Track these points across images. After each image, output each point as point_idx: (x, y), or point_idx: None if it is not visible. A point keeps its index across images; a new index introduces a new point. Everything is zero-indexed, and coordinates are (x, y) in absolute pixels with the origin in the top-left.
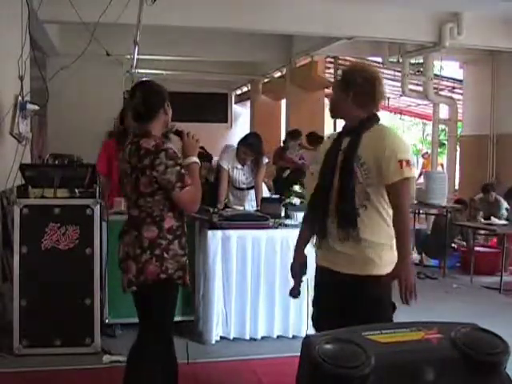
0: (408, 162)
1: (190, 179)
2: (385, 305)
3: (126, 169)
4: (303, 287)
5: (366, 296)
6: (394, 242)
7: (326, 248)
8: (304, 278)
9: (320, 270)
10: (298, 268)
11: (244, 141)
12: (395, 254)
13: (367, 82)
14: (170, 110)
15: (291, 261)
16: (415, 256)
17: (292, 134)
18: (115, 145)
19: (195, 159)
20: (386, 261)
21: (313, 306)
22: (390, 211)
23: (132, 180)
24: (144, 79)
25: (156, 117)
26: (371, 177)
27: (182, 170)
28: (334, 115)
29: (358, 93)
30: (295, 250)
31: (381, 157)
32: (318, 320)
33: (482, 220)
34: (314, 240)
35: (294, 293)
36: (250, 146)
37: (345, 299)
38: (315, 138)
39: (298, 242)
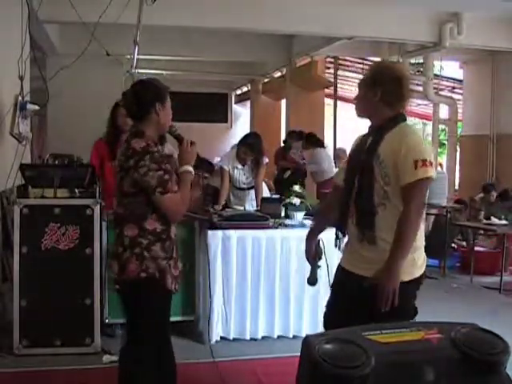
0: (424, 162)
1: (177, 187)
2: (403, 313)
3: (116, 167)
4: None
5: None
6: (416, 243)
7: (347, 248)
8: (320, 263)
9: (338, 270)
10: (312, 250)
11: (244, 141)
12: (415, 256)
13: (395, 80)
14: (164, 111)
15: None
16: None
17: (295, 135)
18: (106, 144)
19: (189, 169)
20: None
21: (326, 306)
22: None
23: (118, 178)
24: (146, 77)
25: (147, 117)
26: (389, 176)
27: (166, 176)
28: (361, 114)
29: (385, 91)
30: (307, 235)
31: (397, 156)
32: (328, 321)
33: (484, 220)
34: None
35: (311, 280)
36: (251, 146)
37: (360, 303)
38: (314, 140)
39: (310, 229)
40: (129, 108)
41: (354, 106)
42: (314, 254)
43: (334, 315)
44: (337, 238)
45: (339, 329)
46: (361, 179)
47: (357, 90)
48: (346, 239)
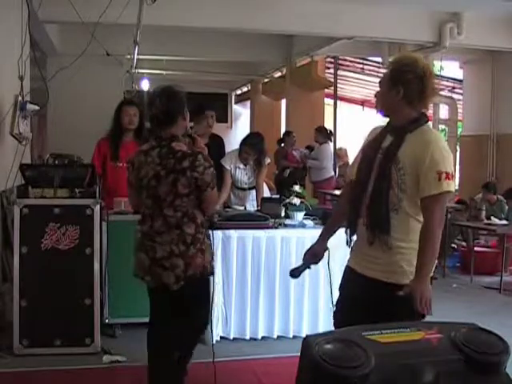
0: (448, 175)
1: None
2: (413, 316)
3: (159, 171)
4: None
5: (395, 307)
6: None
7: (356, 249)
8: (312, 266)
9: (347, 270)
10: (310, 254)
11: (246, 140)
12: None
13: (419, 77)
14: (187, 114)
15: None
16: None
17: (286, 133)
18: (109, 144)
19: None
20: (414, 266)
21: (336, 306)
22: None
23: (169, 182)
24: (166, 85)
25: (176, 122)
26: (406, 183)
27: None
28: (378, 109)
29: (408, 90)
30: (318, 237)
31: (420, 165)
32: (339, 321)
33: (486, 220)
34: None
35: (294, 273)
36: (253, 146)
37: (371, 304)
38: (326, 133)
39: (321, 231)
40: (159, 116)
41: (366, 104)
42: (316, 254)
43: (344, 315)
44: (350, 236)
45: (339, 329)
46: (377, 183)
47: (355, 90)
48: (354, 238)
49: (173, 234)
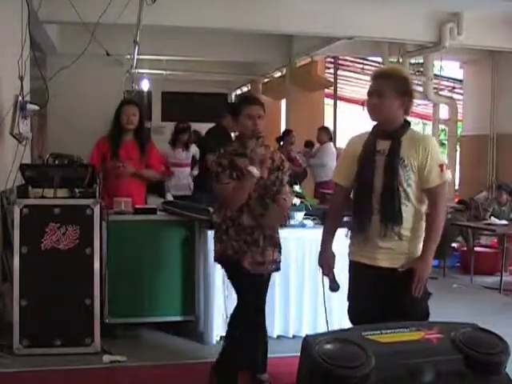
0: (445, 166)
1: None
2: (425, 298)
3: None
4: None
5: (406, 288)
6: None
7: (365, 244)
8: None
9: (357, 266)
10: (331, 259)
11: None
12: None
13: (413, 89)
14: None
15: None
16: None
17: (285, 132)
18: (109, 144)
19: None
20: (418, 251)
21: (349, 301)
22: (425, 206)
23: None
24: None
25: None
26: (412, 178)
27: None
28: (376, 118)
29: (410, 100)
30: (324, 244)
31: (424, 162)
32: (357, 314)
33: (489, 220)
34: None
35: (335, 286)
36: None
37: (385, 292)
38: (328, 133)
39: (324, 237)
40: None
41: (364, 108)
42: (332, 260)
43: (362, 308)
44: (360, 232)
45: (339, 329)
46: (387, 182)
47: (355, 90)
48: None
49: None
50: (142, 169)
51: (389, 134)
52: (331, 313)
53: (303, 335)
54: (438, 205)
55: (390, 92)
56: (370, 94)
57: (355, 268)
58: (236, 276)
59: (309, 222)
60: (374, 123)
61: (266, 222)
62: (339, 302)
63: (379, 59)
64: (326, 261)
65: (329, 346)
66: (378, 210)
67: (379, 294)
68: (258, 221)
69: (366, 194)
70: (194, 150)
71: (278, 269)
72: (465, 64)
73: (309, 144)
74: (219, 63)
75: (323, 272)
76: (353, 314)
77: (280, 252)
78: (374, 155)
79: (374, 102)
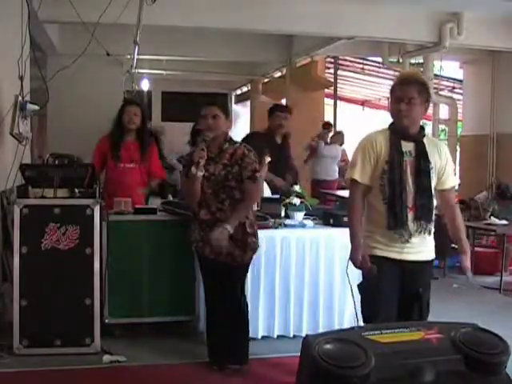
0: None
1: None
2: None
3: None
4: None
5: (426, 277)
6: None
7: (395, 240)
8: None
9: (383, 261)
10: (364, 260)
11: (246, 140)
12: None
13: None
14: None
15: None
16: None
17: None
18: (110, 144)
19: None
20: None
21: (370, 297)
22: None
23: None
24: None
25: None
26: (433, 178)
27: None
28: (403, 123)
29: (428, 104)
30: (357, 241)
31: (444, 164)
32: (378, 308)
33: (489, 220)
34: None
35: (374, 269)
36: (253, 145)
37: (405, 282)
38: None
39: (357, 231)
40: None
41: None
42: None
43: (384, 302)
44: (397, 229)
45: (339, 329)
46: (420, 182)
47: (355, 90)
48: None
49: None
50: (142, 169)
51: (410, 136)
52: (331, 313)
53: (303, 335)
54: (455, 202)
55: (418, 98)
56: (399, 99)
57: (381, 263)
58: (199, 262)
59: (309, 222)
60: (390, 122)
61: (212, 243)
62: (339, 302)
63: (379, 59)
64: (364, 253)
65: (329, 346)
66: (410, 208)
67: (400, 286)
68: (215, 216)
69: (399, 193)
70: None
71: (238, 266)
72: (465, 64)
73: (327, 125)
74: (219, 63)
75: (361, 265)
76: (373, 309)
77: (245, 251)
78: (401, 156)
79: (403, 108)
